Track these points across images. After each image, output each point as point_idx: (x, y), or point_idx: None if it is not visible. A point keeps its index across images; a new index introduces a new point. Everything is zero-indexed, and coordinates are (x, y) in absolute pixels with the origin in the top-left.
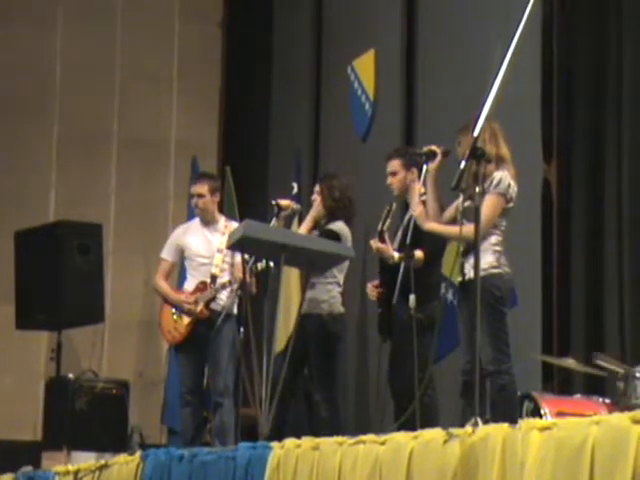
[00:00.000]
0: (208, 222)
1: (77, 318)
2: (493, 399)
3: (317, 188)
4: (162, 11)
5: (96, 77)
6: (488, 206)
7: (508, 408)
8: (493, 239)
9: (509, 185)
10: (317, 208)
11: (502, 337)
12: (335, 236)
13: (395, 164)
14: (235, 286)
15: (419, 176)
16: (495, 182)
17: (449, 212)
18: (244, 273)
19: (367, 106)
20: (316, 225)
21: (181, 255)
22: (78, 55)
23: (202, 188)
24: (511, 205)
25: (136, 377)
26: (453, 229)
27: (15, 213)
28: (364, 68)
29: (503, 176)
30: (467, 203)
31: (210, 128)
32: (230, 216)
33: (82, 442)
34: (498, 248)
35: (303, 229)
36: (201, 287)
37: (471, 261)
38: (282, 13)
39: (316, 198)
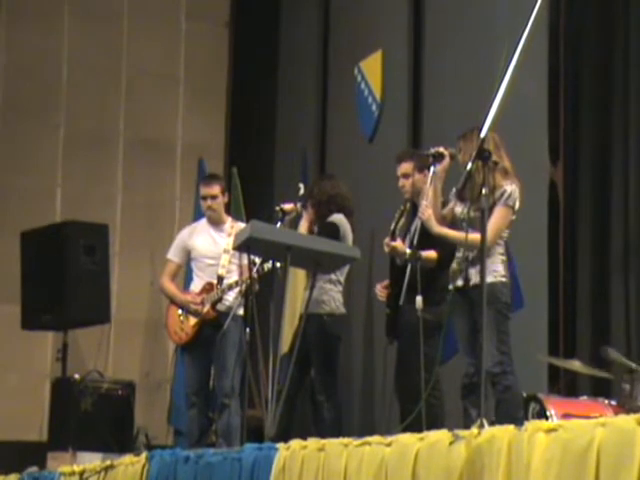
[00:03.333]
0: (216, 223)
1: (83, 318)
2: (499, 399)
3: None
4: (169, 11)
5: (102, 77)
6: (498, 217)
7: (513, 408)
8: (500, 249)
9: (517, 198)
10: (307, 213)
11: (506, 340)
12: (334, 228)
13: (408, 166)
14: (243, 286)
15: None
16: (506, 195)
17: (445, 213)
18: (251, 274)
19: (374, 107)
20: (311, 225)
21: (187, 256)
22: (84, 55)
23: (215, 189)
24: (514, 217)
25: (142, 378)
26: (460, 235)
27: (21, 213)
28: (371, 69)
29: (513, 189)
30: (473, 212)
31: (217, 129)
32: (237, 217)
33: (88, 442)
34: (504, 258)
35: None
36: (208, 288)
37: (478, 268)
38: (289, 13)
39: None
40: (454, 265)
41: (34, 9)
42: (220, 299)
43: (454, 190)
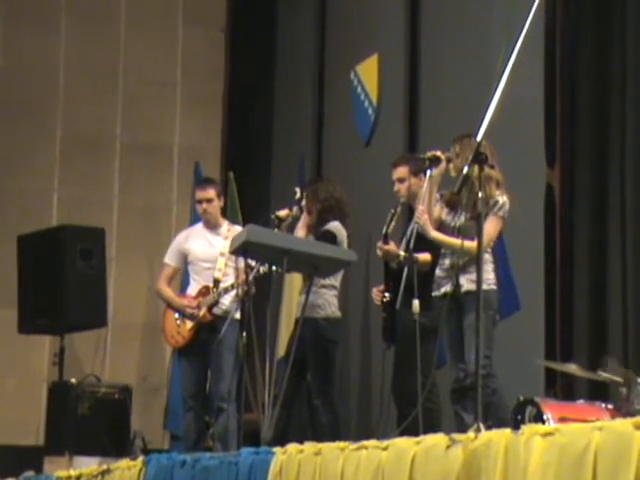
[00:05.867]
0: (212, 226)
1: (80, 322)
2: (488, 402)
3: (304, 194)
4: (166, 16)
5: (99, 82)
6: (491, 226)
7: (501, 410)
8: (489, 257)
9: (507, 210)
10: (306, 215)
11: (492, 345)
12: (331, 236)
13: (403, 171)
14: (239, 290)
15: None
16: (499, 205)
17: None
18: (247, 278)
19: (370, 111)
20: (310, 230)
21: (184, 260)
22: (81, 60)
23: (210, 193)
24: (500, 227)
25: (139, 382)
26: (455, 241)
27: (18, 217)
28: (367, 73)
29: (505, 200)
30: (468, 221)
31: (213, 133)
32: (233, 221)
33: (84, 447)
34: (494, 266)
35: (299, 235)
36: (204, 291)
37: (470, 275)
38: (285, 18)
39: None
40: (439, 272)
41: (31, 13)
42: (216, 302)
43: (438, 195)
